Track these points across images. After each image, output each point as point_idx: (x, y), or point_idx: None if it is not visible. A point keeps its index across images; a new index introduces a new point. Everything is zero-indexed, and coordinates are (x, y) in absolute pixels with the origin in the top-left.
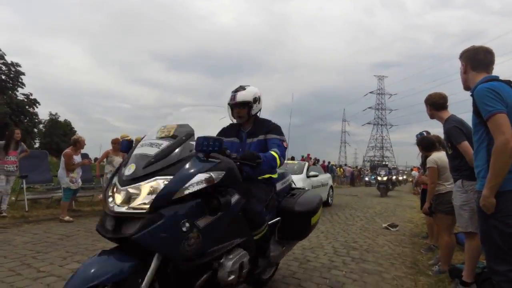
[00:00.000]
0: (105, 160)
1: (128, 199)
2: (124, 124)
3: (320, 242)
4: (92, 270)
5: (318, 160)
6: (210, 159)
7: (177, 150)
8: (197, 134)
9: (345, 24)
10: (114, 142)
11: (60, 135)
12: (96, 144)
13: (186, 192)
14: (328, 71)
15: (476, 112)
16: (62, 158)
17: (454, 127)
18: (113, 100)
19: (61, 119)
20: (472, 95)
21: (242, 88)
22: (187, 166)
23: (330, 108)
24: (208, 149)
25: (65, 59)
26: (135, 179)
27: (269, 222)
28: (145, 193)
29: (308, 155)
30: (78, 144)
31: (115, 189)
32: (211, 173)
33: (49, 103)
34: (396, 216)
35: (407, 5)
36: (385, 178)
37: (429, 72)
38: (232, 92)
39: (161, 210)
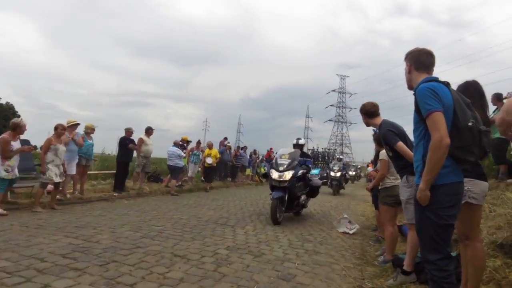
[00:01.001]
0: None
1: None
2: (77, 111)
3: (277, 235)
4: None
5: None
6: (303, 166)
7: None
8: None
9: (312, 25)
10: (57, 128)
11: (1, 119)
12: (42, 131)
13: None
14: (294, 68)
15: (417, 110)
16: None
17: (387, 130)
18: (67, 85)
19: (5, 101)
20: (414, 94)
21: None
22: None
23: (294, 104)
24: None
25: (15, 37)
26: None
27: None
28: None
29: (271, 148)
30: (19, 129)
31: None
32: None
33: None
34: (350, 210)
35: (368, 11)
36: (338, 174)
37: (385, 74)
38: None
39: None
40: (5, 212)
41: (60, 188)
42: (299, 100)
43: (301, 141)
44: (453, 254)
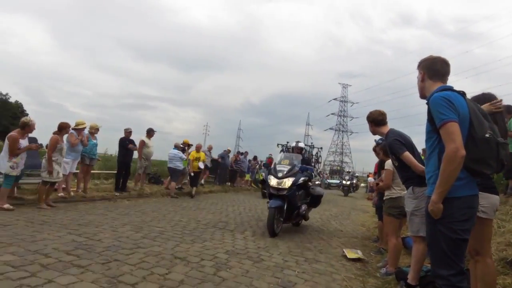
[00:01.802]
0: None
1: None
2: (82, 111)
3: (276, 242)
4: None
5: None
6: (304, 173)
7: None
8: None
9: (315, 32)
10: (66, 127)
11: (10, 117)
12: (48, 130)
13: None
14: (295, 75)
15: (430, 119)
16: (6, 141)
17: (394, 140)
18: (73, 85)
19: (14, 100)
20: (427, 103)
21: (300, 141)
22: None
23: (295, 111)
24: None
25: (23, 37)
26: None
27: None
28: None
29: (271, 155)
30: (28, 128)
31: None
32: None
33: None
34: (351, 219)
35: (373, 21)
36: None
37: (389, 84)
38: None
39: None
40: (11, 207)
41: (63, 186)
42: (299, 107)
43: (301, 144)
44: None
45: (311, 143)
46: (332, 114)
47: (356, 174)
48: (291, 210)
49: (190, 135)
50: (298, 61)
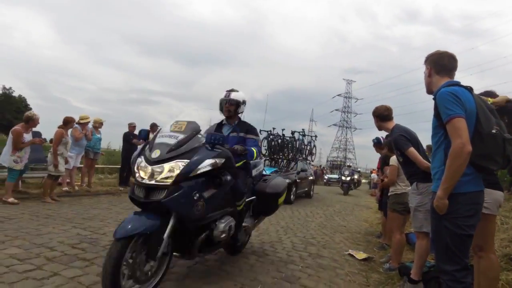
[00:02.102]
0: None
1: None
2: (86, 106)
3: (280, 237)
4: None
5: None
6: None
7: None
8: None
9: (320, 28)
10: (71, 121)
11: (13, 111)
12: (52, 125)
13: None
14: (299, 70)
15: (437, 114)
16: (10, 135)
17: (399, 135)
18: (77, 80)
19: (17, 94)
20: (434, 98)
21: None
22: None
23: (299, 107)
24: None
25: (26, 31)
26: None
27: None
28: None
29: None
30: (31, 122)
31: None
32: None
33: (5, 77)
34: (354, 215)
35: (378, 17)
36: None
37: (393, 81)
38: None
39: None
40: (16, 201)
41: (68, 180)
42: (303, 103)
43: (235, 95)
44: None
45: (302, 129)
46: (336, 110)
47: (358, 169)
48: (187, 234)
49: None
50: (302, 57)
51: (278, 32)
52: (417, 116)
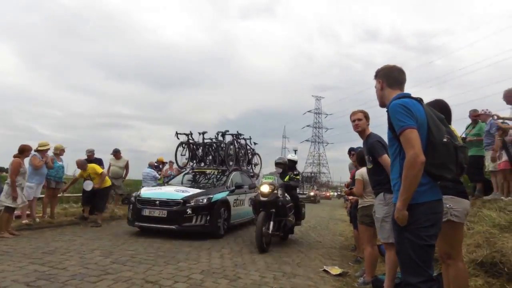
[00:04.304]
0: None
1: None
2: (53, 133)
3: (253, 257)
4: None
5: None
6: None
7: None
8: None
9: (287, 48)
10: (28, 150)
11: None
12: (14, 153)
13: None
14: (270, 89)
15: (391, 127)
16: None
17: (376, 141)
18: (42, 107)
19: None
20: (387, 111)
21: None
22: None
23: (272, 124)
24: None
25: None
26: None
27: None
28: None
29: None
30: None
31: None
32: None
33: None
34: (329, 229)
35: (341, 37)
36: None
37: (360, 95)
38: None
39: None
40: None
41: (28, 212)
42: (275, 121)
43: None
44: (433, 274)
45: (237, 131)
46: (307, 126)
47: (335, 185)
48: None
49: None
50: (272, 77)
51: (248, 53)
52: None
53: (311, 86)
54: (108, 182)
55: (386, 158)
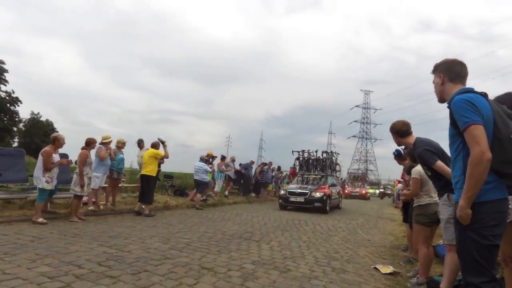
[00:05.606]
0: None
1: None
2: (110, 127)
3: (302, 251)
4: None
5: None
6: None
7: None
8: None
9: (334, 42)
10: (93, 142)
11: (41, 135)
12: (79, 147)
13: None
14: (316, 85)
15: (453, 123)
16: (40, 157)
17: (424, 150)
18: (102, 104)
19: (45, 119)
20: (449, 107)
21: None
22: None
23: (317, 120)
24: None
25: (55, 60)
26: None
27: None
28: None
29: (293, 169)
30: (57, 142)
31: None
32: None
33: (35, 103)
34: (378, 228)
35: (392, 28)
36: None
37: (411, 90)
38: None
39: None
40: (45, 221)
41: (93, 200)
42: (321, 116)
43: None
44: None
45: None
46: (355, 121)
47: (383, 183)
48: None
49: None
50: (318, 72)
51: (293, 48)
52: (436, 125)
53: (358, 80)
54: (153, 172)
55: (439, 165)
